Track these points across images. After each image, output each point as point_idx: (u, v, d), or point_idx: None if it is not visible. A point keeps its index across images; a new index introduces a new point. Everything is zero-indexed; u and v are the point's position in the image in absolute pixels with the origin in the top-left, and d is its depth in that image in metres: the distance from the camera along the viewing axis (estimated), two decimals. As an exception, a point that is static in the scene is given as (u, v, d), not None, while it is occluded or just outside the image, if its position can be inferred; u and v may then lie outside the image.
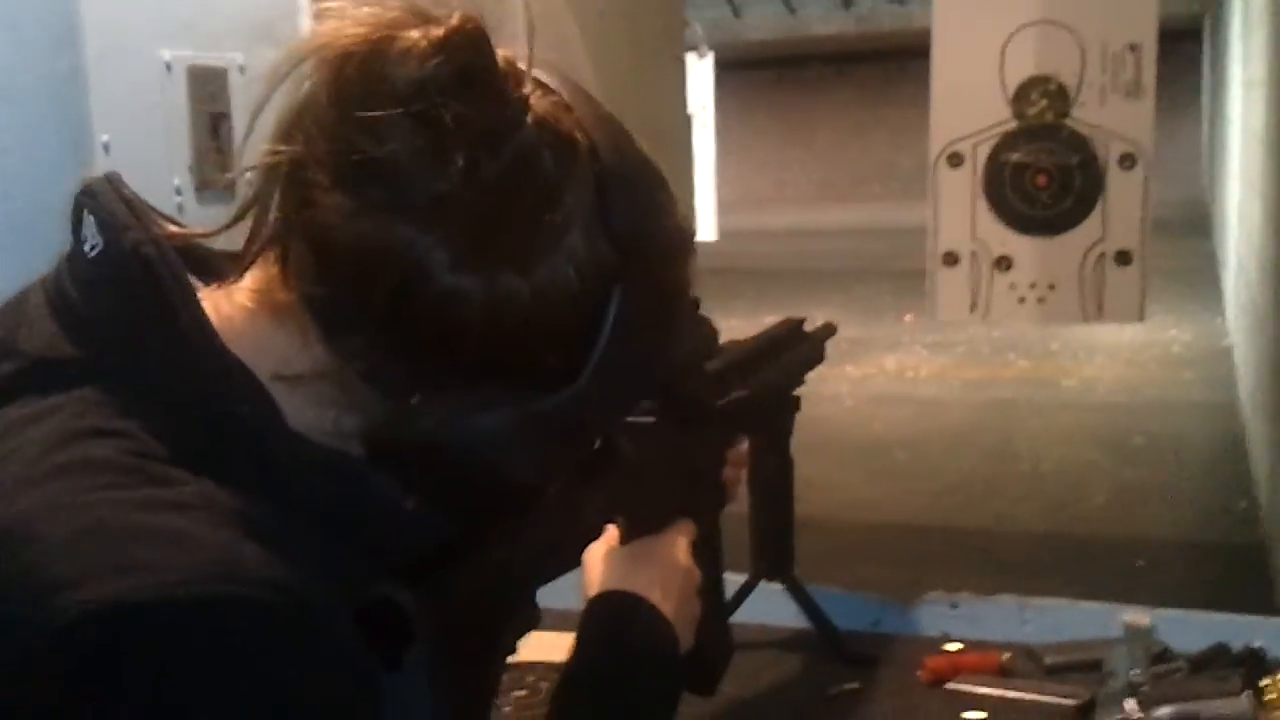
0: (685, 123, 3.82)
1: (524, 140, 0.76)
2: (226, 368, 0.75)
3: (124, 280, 0.77)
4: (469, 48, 0.75)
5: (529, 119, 0.77)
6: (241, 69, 1.77)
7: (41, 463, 0.71)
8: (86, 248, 0.78)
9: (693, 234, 0.88)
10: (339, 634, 0.73)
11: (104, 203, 0.79)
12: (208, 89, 1.76)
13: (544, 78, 0.80)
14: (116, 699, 0.65)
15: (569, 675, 1.02)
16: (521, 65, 0.79)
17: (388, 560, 0.81)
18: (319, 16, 0.79)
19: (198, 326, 0.76)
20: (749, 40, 14.09)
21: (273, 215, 0.78)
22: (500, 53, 0.78)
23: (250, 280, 0.79)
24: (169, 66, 1.63)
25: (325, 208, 0.74)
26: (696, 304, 1.22)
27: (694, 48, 7.73)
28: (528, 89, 0.78)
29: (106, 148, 1.54)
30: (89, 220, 0.79)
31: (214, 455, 0.74)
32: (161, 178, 1.57)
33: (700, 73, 7.84)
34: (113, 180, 0.81)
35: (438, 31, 0.75)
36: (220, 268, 0.82)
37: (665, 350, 0.87)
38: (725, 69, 9.88)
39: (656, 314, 0.83)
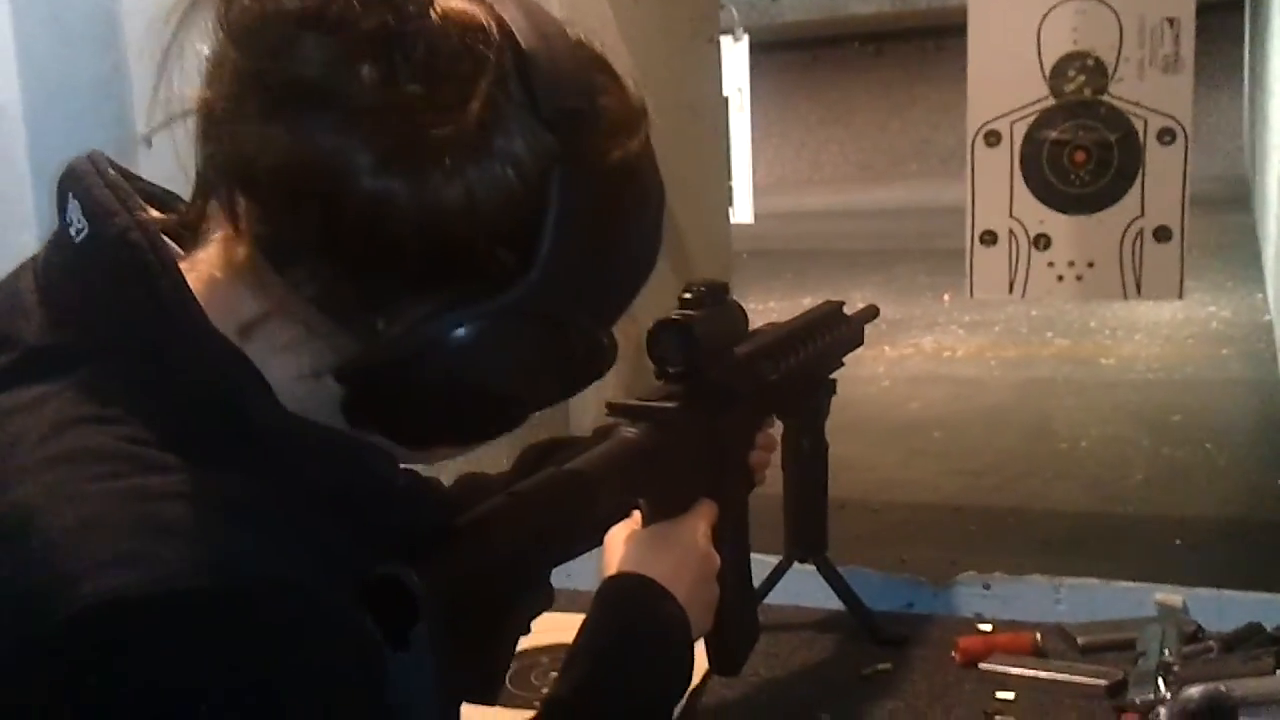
0: (721, 105, 3.82)
1: (433, 35, 0.74)
2: (216, 350, 0.75)
3: (111, 266, 0.76)
4: None
5: (435, 14, 0.75)
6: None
7: (39, 451, 0.71)
8: (72, 232, 0.78)
9: (637, 113, 0.84)
10: (340, 619, 0.73)
11: (88, 186, 0.78)
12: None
13: None
14: (119, 693, 0.65)
15: (574, 653, 1.02)
16: None
17: (388, 537, 0.81)
18: None
19: (186, 310, 0.75)
20: (785, 21, 14.01)
21: (210, 169, 0.77)
22: None
23: (214, 246, 0.79)
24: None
25: (246, 140, 0.73)
26: (725, 288, 1.22)
27: (729, 30, 7.71)
28: None
29: (149, 142, 1.57)
30: (73, 204, 0.78)
31: (207, 438, 0.73)
32: (191, 169, 1.59)
33: (736, 55, 7.81)
34: (96, 161, 0.80)
35: None
36: (194, 238, 0.81)
37: (625, 228, 0.85)
38: (762, 51, 9.83)
39: (605, 192, 0.81)
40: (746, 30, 8.30)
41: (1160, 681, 1.48)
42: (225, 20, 0.74)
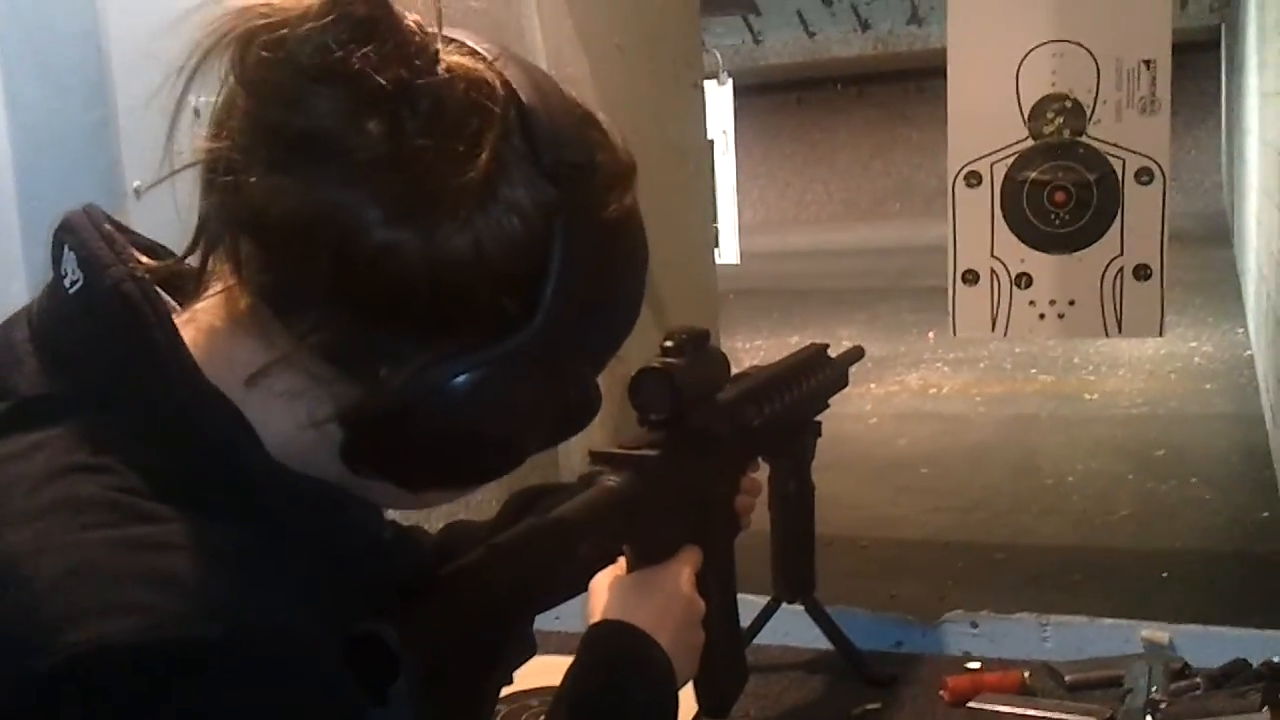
0: (706, 148, 3.85)
1: (440, 90, 0.75)
2: (208, 402, 0.76)
3: (105, 317, 0.77)
4: (368, 3, 0.74)
5: (443, 70, 0.76)
6: (268, 112, 1.81)
7: (29, 500, 0.71)
8: (67, 283, 0.79)
9: (630, 167, 0.87)
10: (327, 670, 0.73)
11: (83, 238, 0.79)
12: (235, 132, 1.80)
13: (458, 36, 0.80)
14: None
15: (559, 699, 1.02)
16: (432, 29, 0.78)
17: (373, 590, 0.81)
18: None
19: (178, 361, 0.76)
20: (769, 64, 14.10)
21: (215, 217, 0.77)
22: (410, 17, 0.77)
23: (215, 297, 0.79)
24: (197, 113, 1.67)
25: (254, 190, 0.74)
26: (706, 335, 1.24)
27: (714, 74, 7.77)
28: (440, 45, 0.77)
29: (138, 193, 1.58)
30: (69, 256, 0.79)
31: (196, 488, 0.74)
32: (191, 220, 1.60)
33: (720, 98, 7.86)
34: (91, 214, 0.81)
35: None
36: (193, 286, 0.81)
37: (619, 278, 0.86)
38: (746, 93, 9.91)
39: (603, 242, 0.83)
40: (730, 74, 8.36)
41: (1148, 719, 1.49)
42: (240, 70, 0.75)
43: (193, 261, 0.82)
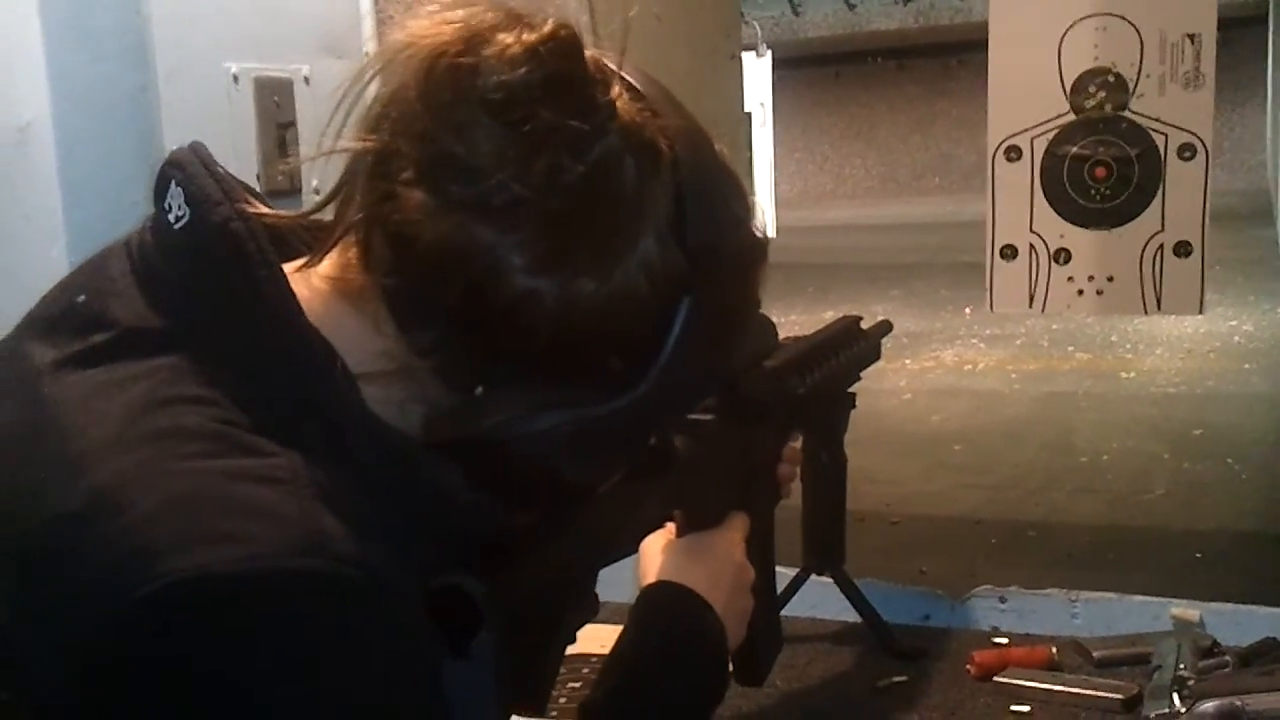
0: (743, 121, 3.84)
1: (608, 147, 0.77)
2: (310, 344, 0.77)
3: (212, 254, 0.78)
4: (560, 55, 0.76)
5: (614, 126, 0.77)
6: (307, 80, 1.82)
7: (131, 428, 0.72)
8: (171, 218, 0.79)
9: (765, 247, 0.88)
10: (414, 614, 0.75)
11: (192, 175, 0.80)
12: (274, 99, 1.81)
13: (633, 81, 0.81)
14: (202, 666, 0.67)
15: (612, 661, 1.04)
16: (611, 67, 0.80)
17: (452, 548, 0.82)
18: (413, 14, 0.79)
19: (284, 302, 0.77)
20: (808, 37, 14.03)
21: (356, 205, 0.79)
22: (590, 55, 0.79)
23: (328, 263, 0.81)
24: (236, 79, 1.68)
25: (407, 203, 0.75)
26: (758, 303, 1.24)
27: (753, 46, 7.73)
28: (615, 93, 0.79)
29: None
30: (175, 191, 0.79)
31: (294, 428, 0.75)
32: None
33: (759, 71, 7.84)
34: (200, 153, 0.82)
35: (530, 36, 0.76)
36: (298, 247, 0.83)
37: (728, 359, 0.88)
38: (785, 66, 9.87)
39: (723, 325, 0.85)
40: (770, 46, 8.33)
41: (1176, 696, 1.49)
42: (424, 83, 0.76)
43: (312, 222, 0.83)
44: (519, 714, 0.93)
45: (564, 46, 0.77)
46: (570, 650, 1.01)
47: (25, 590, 0.70)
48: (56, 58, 1.59)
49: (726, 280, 0.84)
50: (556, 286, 0.76)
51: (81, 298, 0.81)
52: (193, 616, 0.67)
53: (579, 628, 0.99)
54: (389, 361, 0.78)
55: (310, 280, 0.80)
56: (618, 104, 0.79)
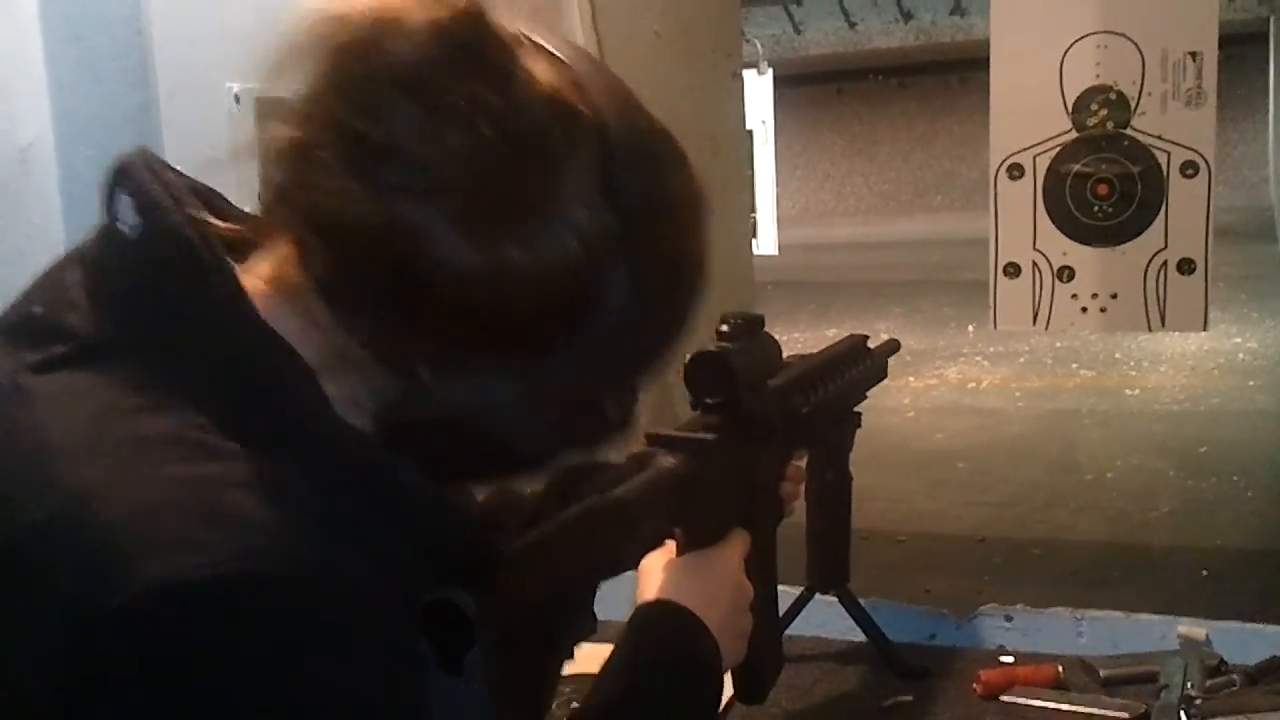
0: (745, 139, 3.84)
1: (524, 114, 0.77)
2: (269, 343, 0.77)
3: (165, 260, 0.78)
4: (468, 27, 0.76)
5: (532, 95, 0.77)
6: (307, 98, 1.82)
7: (95, 437, 0.72)
8: (124, 228, 0.79)
9: (701, 199, 0.88)
10: (388, 617, 0.75)
11: (140, 182, 0.80)
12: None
13: (554, 50, 0.81)
14: (178, 673, 0.67)
15: (605, 673, 1.03)
16: (533, 38, 0.80)
17: (441, 561, 0.82)
18: None
19: (239, 304, 0.77)
20: (810, 55, 14.05)
21: (281, 201, 0.79)
22: (508, 29, 0.79)
23: (266, 263, 0.81)
24: (238, 98, 1.68)
25: (329, 191, 0.75)
26: (760, 321, 1.24)
27: (754, 64, 7.75)
28: (534, 63, 0.79)
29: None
30: (123, 200, 0.80)
31: (256, 430, 0.75)
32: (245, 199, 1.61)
33: (760, 88, 7.85)
34: (147, 158, 0.82)
35: (438, 12, 0.76)
36: (246, 252, 0.82)
37: (679, 314, 0.87)
38: (787, 83, 9.88)
39: (661, 281, 0.84)
40: (771, 64, 8.34)
41: (1182, 715, 1.48)
42: (333, 72, 0.76)
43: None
44: None
45: (471, 19, 0.77)
46: (568, 669, 0.99)
47: None
48: (58, 78, 1.60)
49: (661, 237, 0.83)
50: (485, 257, 0.76)
51: (39, 309, 0.81)
52: (163, 624, 0.67)
53: (577, 644, 0.98)
54: (331, 354, 0.78)
55: (252, 281, 0.80)
56: (535, 72, 0.78)
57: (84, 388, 0.76)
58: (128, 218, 0.80)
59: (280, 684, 0.69)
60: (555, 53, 0.81)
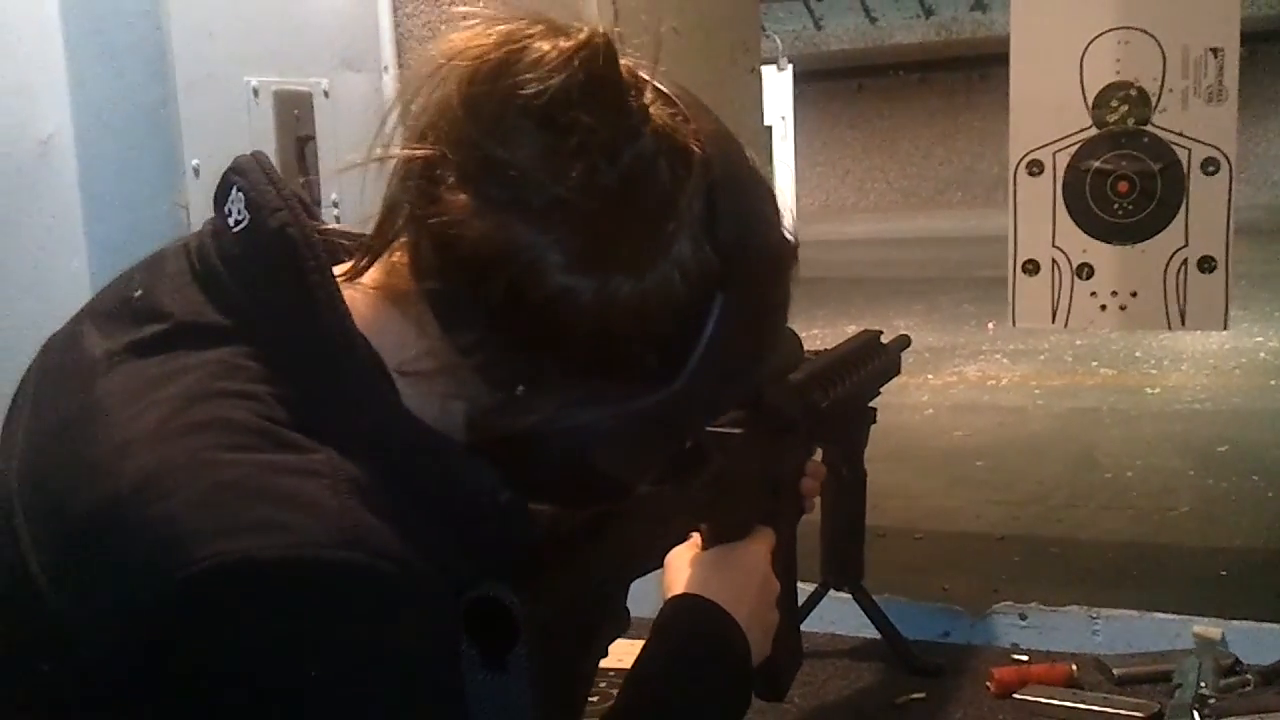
0: (763, 134, 3.84)
1: (642, 149, 0.79)
2: (355, 347, 0.79)
3: (268, 257, 0.81)
4: (596, 60, 0.79)
5: (648, 129, 0.80)
6: (326, 93, 1.83)
7: (178, 418, 0.75)
8: (231, 222, 0.83)
9: (794, 248, 0.90)
10: (444, 614, 0.77)
11: (253, 181, 0.83)
12: (294, 113, 1.82)
13: (665, 89, 0.83)
14: (236, 648, 0.69)
15: (636, 670, 1.04)
16: (644, 75, 0.83)
17: (488, 554, 0.84)
18: (454, 23, 0.82)
19: (333, 306, 0.79)
20: (830, 50, 14.04)
21: (403, 211, 0.81)
22: (624, 63, 0.81)
23: (375, 271, 0.83)
24: (256, 92, 1.69)
25: (450, 206, 0.78)
26: (788, 302, 1.24)
27: (774, 60, 7.74)
28: (648, 99, 0.81)
29: (197, 171, 1.61)
30: (236, 196, 0.83)
31: (335, 429, 0.77)
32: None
33: (779, 84, 7.85)
34: (261, 162, 0.85)
35: (567, 44, 0.79)
36: (343, 258, 0.85)
37: (761, 358, 0.90)
38: (807, 79, 9.88)
39: (755, 323, 0.87)
40: (790, 59, 8.33)
41: (1196, 714, 1.48)
42: (466, 89, 0.79)
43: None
44: None
45: (599, 53, 0.79)
46: (601, 663, 1.00)
47: (70, 567, 0.73)
48: (78, 71, 1.61)
49: (757, 278, 0.86)
50: (594, 285, 0.78)
51: (138, 292, 0.84)
52: (233, 599, 0.69)
53: (611, 640, 0.99)
54: (432, 361, 0.81)
55: (358, 286, 0.83)
56: (651, 109, 0.81)
57: (174, 370, 0.78)
58: (237, 213, 0.82)
59: (341, 664, 0.71)
60: (662, 88, 0.83)
